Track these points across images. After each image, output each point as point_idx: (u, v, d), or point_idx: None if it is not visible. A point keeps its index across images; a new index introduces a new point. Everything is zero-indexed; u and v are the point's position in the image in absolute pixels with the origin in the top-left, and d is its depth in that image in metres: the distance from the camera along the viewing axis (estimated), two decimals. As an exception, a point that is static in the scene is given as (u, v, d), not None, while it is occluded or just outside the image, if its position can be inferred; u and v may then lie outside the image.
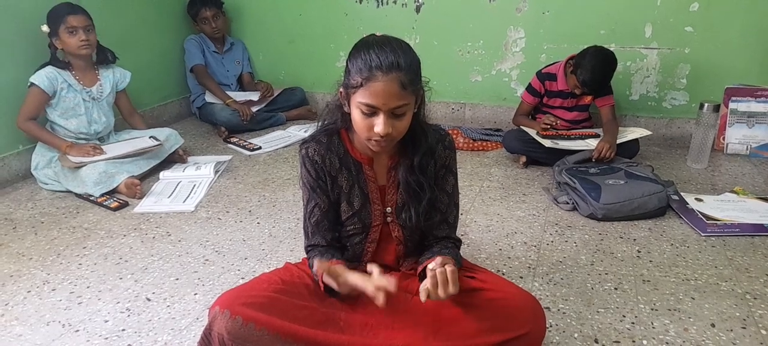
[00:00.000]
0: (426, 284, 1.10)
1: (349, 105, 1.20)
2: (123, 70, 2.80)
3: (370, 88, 1.11)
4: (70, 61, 2.57)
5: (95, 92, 2.65)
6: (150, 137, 2.76)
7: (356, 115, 1.17)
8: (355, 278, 1.13)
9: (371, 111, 1.14)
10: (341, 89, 1.22)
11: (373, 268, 1.13)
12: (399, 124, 1.16)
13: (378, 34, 1.19)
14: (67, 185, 2.49)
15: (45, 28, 2.49)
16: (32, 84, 2.47)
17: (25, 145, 2.68)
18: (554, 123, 2.81)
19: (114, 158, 2.56)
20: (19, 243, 2.06)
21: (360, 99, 1.13)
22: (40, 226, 2.21)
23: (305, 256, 1.36)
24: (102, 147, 2.62)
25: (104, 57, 2.69)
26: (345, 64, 1.20)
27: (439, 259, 1.16)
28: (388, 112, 1.13)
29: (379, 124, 1.14)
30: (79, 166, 2.46)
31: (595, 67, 2.60)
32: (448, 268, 1.10)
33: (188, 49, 3.54)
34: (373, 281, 1.10)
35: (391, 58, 1.11)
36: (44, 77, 2.48)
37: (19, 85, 2.56)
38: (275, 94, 3.65)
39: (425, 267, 1.28)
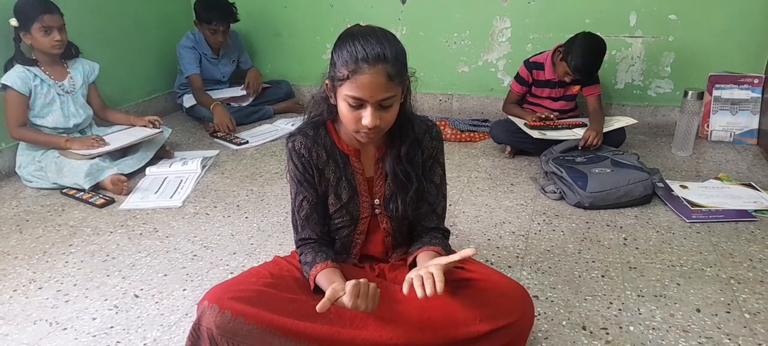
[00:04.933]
0: (410, 280, 1.08)
1: (335, 97, 1.19)
2: (91, 61, 2.72)
3: (356, 81, 1.11)
4: (37, 56, 2.49)
5: (67, 86, 2.58)
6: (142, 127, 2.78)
7: (343, 108, 1.16)
8: (347, 301, 1.08)
9: (358, 103, 1.13)
10: (327, 81, 1.21)
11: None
12: (386, 116, 1.16)
13: (363, 24, 1.19)
14: (55, 179, 2.45)
15: (13, 21, 2.39)
16: (5, 86, 2.41)
17: (7, 143, 2.64)
18: (548, 116, 2.81)
19: (118, 148, 2.58)
20: (3, 242, 2.04)
21: (347, 92, 1.13)
22: (24, 224, 2.18)
23: (294, 249, 1.35)
24: (104, 138, 2.61)
25: (69, 52, 2.60)
26: (330, 55, 1.19)
27: (434, 265, 1.09)
28: (375, 104, 1.13)
29: (367, 116, 1.13)
30: (90, 158, 2.46)
31: (586, 52, 2.61)
32: (433, 269, 1.07)
33: (184, 57, 3.39)
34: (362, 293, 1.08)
35: (377, 50, 1.10)
36: (16, 78, 2.41)
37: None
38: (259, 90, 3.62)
39: (415, 258, 1.29)
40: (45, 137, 2.53)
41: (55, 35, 2.42)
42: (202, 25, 3.36)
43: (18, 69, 2.44)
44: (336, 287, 1.09)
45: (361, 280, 1.09)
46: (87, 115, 2.68)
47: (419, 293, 1.04)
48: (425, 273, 1.06)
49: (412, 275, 1.08)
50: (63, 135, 2.56)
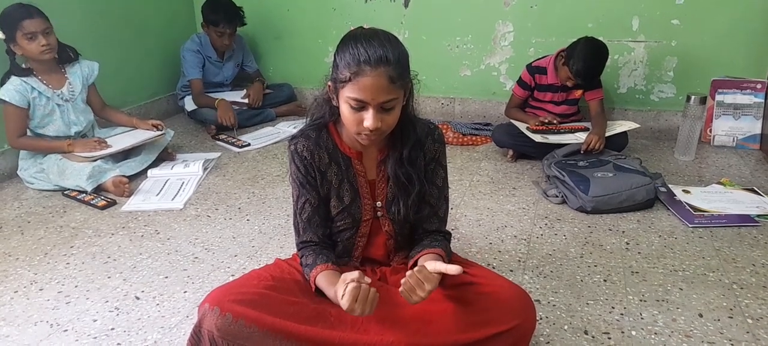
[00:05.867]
0: (401, 290, 1.11)
1: (337, 99, 1.19)
2: (89, 62, 2.65)
3: (358, 83, 1.11)
4: (32, 66, 2.43)
5: (67, 93, 2.52)
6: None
7: (345, 110, 1.16)
8: (344, 304, 1.08)
9: (360, 105, 1.13)
10: (329, 83, 1.21)
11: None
12: (388, 118, 1.16)
13: (366, 26, 1.19)
14: (57, 181, 2.45)
15: (0, 34, 2.35)
16: (2, 101, 2.38)
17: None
18: (551, 120, 2.80)
19: (120, 150, 2.58)
20: (5, 243, 2.04)
21: (348, 94, 1.13)
22: (26, 225, 2.18)
23: (296, 252, 1.35)
24: (107, 140, 2.60)
25: (66, 56, 2.54)
26: (333, 57, 1.19)
27: (431, 263, 1.14)
28: (377, 106, 1.13)
29: (369, 118, 1.13)
30: (93, 160, 2.46)
31: (587, 57, 2.60)
32: (418, 269, 1.11)
33: (187, 59, 3.38)
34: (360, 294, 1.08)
35: (379, 52, 1.10)
36: (14, 92, 2.37)
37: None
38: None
39: (415, 262, 1.29)
40: (46, 143, 2.52)
41: (41, 40, 2.33)
42: (209, 28, 3.35)
43: (14, 82, 2.39)
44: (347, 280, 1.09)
45: (362, 284, 1.08)
46: (88, 121, 2.66)
47: (411, 300, 1.10)
48: (416, 281, 1.10)
49: (404, 282, 1.11)
50: (64, 140, 2.56)
